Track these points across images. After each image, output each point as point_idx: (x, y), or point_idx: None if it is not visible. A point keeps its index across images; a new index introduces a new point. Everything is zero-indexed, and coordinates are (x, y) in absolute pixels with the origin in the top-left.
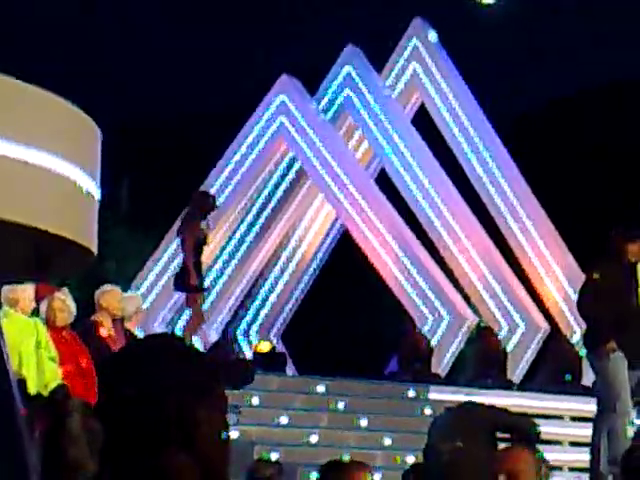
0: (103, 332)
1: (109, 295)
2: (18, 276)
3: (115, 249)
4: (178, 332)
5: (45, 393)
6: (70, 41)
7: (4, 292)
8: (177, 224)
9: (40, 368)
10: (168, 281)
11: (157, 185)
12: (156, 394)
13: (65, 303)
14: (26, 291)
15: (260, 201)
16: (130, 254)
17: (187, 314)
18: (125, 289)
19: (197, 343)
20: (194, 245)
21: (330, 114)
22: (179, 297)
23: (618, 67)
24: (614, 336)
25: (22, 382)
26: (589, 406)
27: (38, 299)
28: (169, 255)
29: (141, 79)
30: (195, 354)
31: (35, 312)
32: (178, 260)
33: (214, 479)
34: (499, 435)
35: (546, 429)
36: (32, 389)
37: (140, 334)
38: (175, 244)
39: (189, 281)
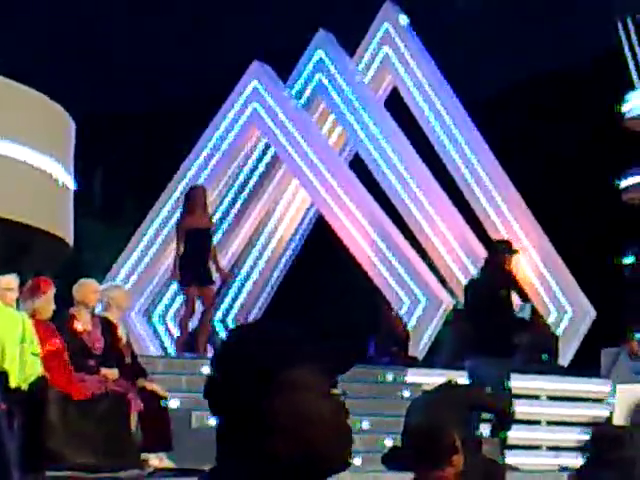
0: (78, 326)
1: (83, 288)
2: None
3: (89, 240)
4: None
5: (25, 387)
6: (43, 30)
7: None
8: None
9: (22, 362)
10: (144, 271)
11: (130, 175)
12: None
13: (52, 295)
14: (11, 283)
15: (234, 189)
16: (104, 244)
17: (202, 307)
18: (100, 280)
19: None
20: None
21: (303, 100)
22: (153, 287)
23: (595, 44)
24: None
25: (4, 375)
26: (566, 385)
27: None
28: (144, 245)
29: (113, 70)
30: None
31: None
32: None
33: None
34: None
35: (524, 409)
36: (13, 383)
37: (120, 324)
38: (148, 236)
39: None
